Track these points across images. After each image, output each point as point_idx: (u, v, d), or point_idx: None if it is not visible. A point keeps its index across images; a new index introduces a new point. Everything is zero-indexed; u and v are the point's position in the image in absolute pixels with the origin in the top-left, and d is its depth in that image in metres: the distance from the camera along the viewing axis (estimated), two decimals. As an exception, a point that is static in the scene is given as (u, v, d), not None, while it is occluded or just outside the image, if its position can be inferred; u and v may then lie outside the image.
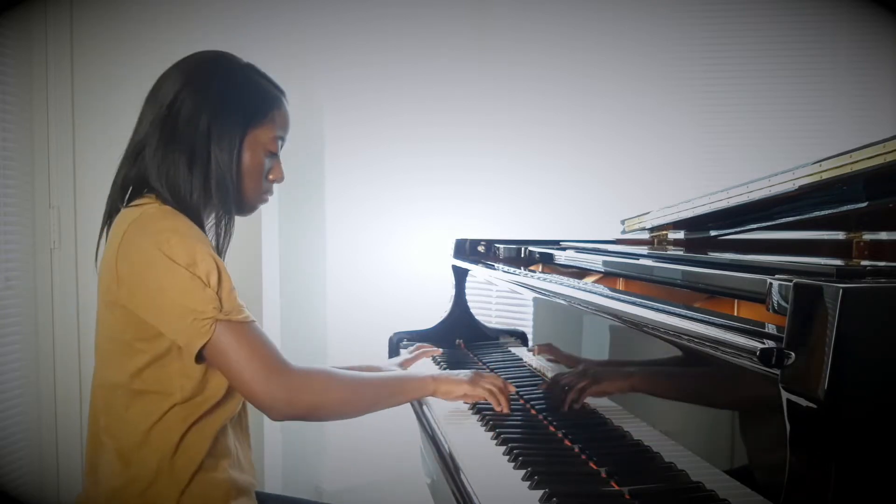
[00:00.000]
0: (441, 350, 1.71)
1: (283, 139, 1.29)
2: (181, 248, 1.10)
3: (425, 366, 1.73)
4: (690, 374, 0.96)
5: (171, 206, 1.18)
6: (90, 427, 1.22)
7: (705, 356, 0.85)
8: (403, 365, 1.64)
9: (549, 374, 1.47)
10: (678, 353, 0.95)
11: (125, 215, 1.18)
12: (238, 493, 1.22)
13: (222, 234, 1.25)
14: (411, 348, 1.74)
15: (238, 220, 1.29)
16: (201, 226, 1.20)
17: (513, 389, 1.39)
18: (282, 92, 1.30)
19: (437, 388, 1.34)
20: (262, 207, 1.33)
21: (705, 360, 0.89)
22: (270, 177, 1.29)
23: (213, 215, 1.25)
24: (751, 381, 0.76)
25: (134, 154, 1.22)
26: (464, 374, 1.38)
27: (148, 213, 1.16)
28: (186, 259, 1.10)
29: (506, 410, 1.33)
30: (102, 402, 1.20)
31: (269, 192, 1.30)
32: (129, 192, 1.23)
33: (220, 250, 1.26)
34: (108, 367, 1.19)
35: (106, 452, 1.19)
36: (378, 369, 1.53)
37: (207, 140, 1.19)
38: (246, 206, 1.29)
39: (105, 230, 1.24)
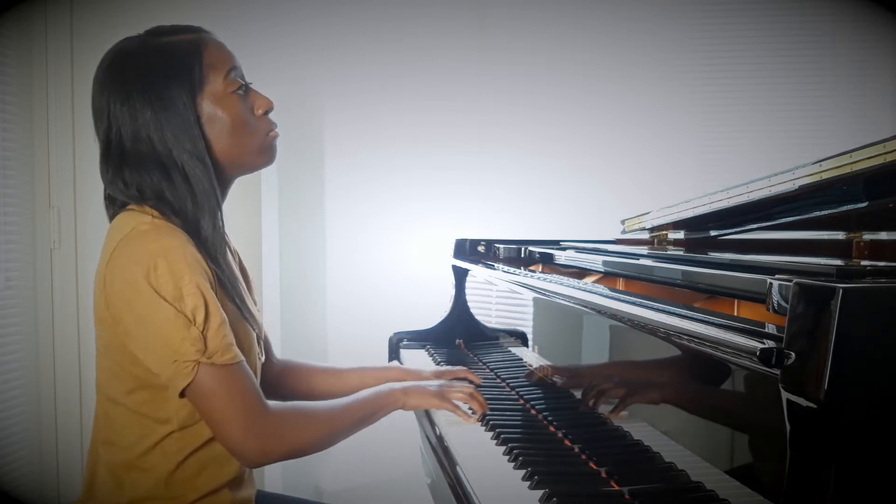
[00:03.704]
0: (481, 379, 1.54)
1: (235, 69, 1.15)
2: (168, 279, 1.02)
3: (422, 362, 1.73)
4: (700, 388, 0.96)
5: (169, 217, 1.09)
6: (93, 434, 1.18)
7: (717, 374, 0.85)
8: (441, 376, 1.48)
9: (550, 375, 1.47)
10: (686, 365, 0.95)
11: (119, 224, 1.11)
12: None
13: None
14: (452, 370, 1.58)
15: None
16: (199, 232, 1.10)
17: (484, 405, 1.32)
18: (198, 29, 1.17)
19: (407, 402, 1.29)
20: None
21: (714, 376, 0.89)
22: (258, 111, 1.17)
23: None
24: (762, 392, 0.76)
25: (109, 196, 1.16)
26: (433, 385, 1.34)
27: (139, 230, 1.07)
28: (173, 292, 1.02)
29: (477, 414, 1.30)
30: (103, 413, 1.16)
31: (270, 126, 1.19)
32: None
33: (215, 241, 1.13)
34: (105, 380, 1.14)
35: (101, 466, 1.15)
36: (359, 371, 1.50)
37: (163, 136, 1.09)
38: (257, 157, 1.18)
39: None
